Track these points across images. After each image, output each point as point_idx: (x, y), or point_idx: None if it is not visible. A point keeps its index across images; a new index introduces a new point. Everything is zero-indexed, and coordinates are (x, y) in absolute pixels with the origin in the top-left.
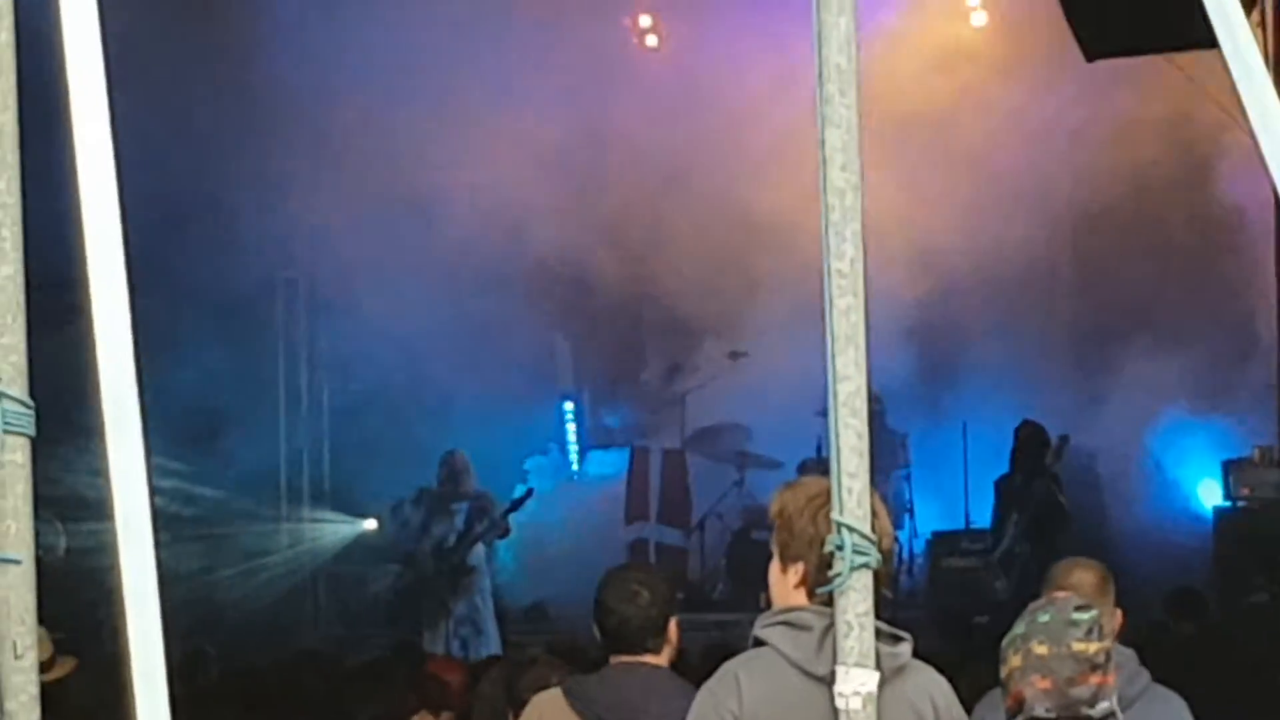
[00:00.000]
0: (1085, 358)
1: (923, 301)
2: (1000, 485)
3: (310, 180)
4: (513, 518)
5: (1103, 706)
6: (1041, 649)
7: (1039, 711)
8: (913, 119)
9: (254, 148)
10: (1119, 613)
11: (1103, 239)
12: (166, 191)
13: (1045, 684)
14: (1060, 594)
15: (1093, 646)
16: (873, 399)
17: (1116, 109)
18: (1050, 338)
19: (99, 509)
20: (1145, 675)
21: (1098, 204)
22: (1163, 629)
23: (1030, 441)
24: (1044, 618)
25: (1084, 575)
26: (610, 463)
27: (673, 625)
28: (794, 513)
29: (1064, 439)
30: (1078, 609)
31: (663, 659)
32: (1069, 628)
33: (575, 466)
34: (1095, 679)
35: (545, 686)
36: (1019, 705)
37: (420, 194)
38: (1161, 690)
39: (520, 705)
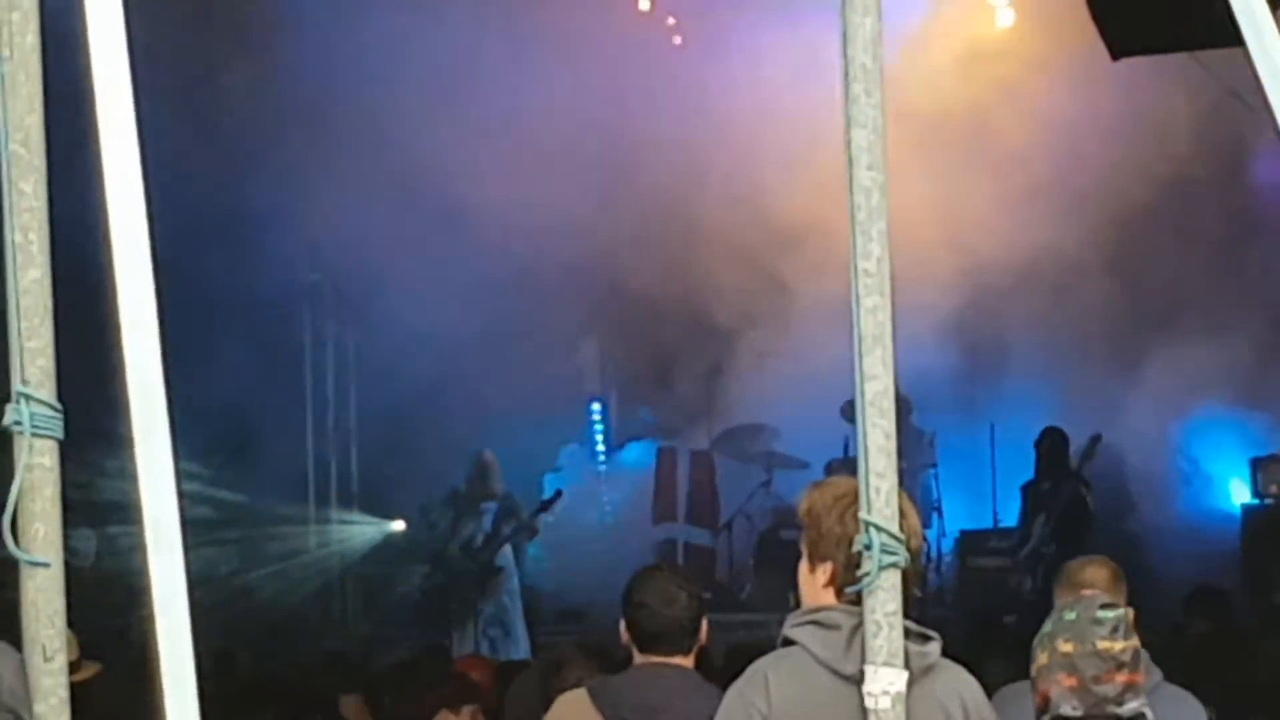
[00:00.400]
0: (1115, 355)
1: (952, 300)
2: (1026, 490)
3: (338, 183)
4: (541, 519)
5: (1131, 705)
6: (1067, 647)
7: (1065, 710)
8: (943, 118)
9: (280, 152)
10: (1130, 611)
11: (1134, 237)
12: (193, 196)
13: (1071, 682)
14: (1087, 592)
15: (1118, 645)
16: (900, 399)
17: (1147, 105)
18: (1080, 335)
19: (124, 513)
20: (1157, 673)
21: (1130, 202)
22: (1183, 627)
23: (1052, 449)
24: (1070, 616)
25: (1097, 572)
26: (638, 463)
27: (704, 626)
28: (821, 512)
29: (1096, 439)
30: (1103, 607)
31: (690, 660)
32: (1094, 626)
33: (603, 468)
34: (1121, 677)
35: (576, 687)
36: (1046, 703)
37: (447, 196)
38: (1172, 689)
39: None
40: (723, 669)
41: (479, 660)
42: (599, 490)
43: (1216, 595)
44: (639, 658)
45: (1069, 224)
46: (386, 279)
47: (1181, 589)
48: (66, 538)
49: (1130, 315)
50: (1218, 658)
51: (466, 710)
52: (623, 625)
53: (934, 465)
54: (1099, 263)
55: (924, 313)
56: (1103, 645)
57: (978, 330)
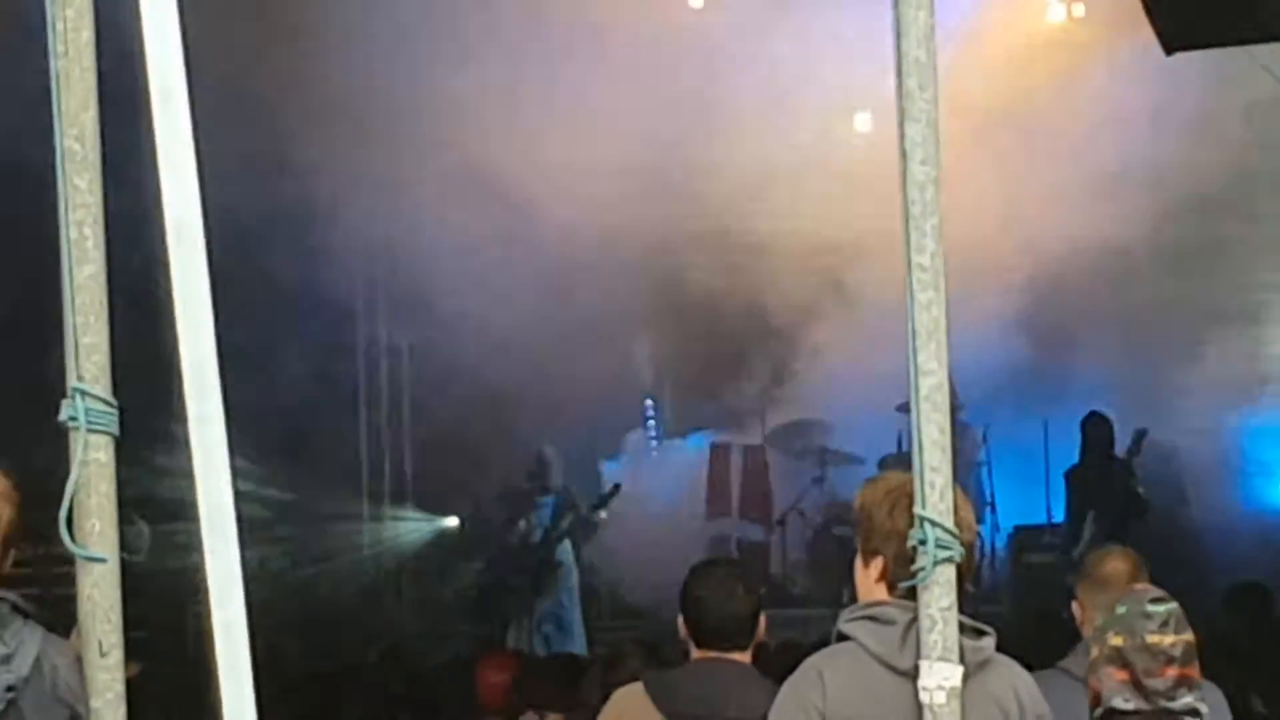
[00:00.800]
0: (1171, 347)
1: (1005, 294)
2: (1070, 478)
3: (395, 178)
4: (599, 514)
5: (1184, 700)
6: (1117, 640)
7: (1117, 703)
8: (996, 112)
9: (338, 144)
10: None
11: (1189, 229)
12: (249, 191)
13: (1122, 675)
14: (1140, 586)
15: (1168, 639)
16: (953, 395)
17: (1200, 98)
18: (1136, 327)
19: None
20: None
21: (1185, 194)
22: (1224, 622)
23: (1096, 434)
24: (1121, 610)
25: (1117, 564)
26: (691, 459)
27: (763, 621)
28: (872, 507)
29: (1142, 433)
30: (1153, 601)
31: (748, 655)
32: (1144, 620)
33: (657, 463)
34: (1172, 671)
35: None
36: (1098, 697)
37: (505, 191)
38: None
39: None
40: (776, 664)
41: (505, 659)
42: (652, 485)
43: (1255, 591)
44: (696, 653)
45: (1123, 216)
46: (443, 275)
47: (1229, 585)
48: (121, 533)
49: (1186, 307)
50: (1258, 652)
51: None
52: (680, 620)
53: (986, 461)
54: (1154, 255)
55: (978, 307)
56: (1152, 639)
57: (1033, 324)
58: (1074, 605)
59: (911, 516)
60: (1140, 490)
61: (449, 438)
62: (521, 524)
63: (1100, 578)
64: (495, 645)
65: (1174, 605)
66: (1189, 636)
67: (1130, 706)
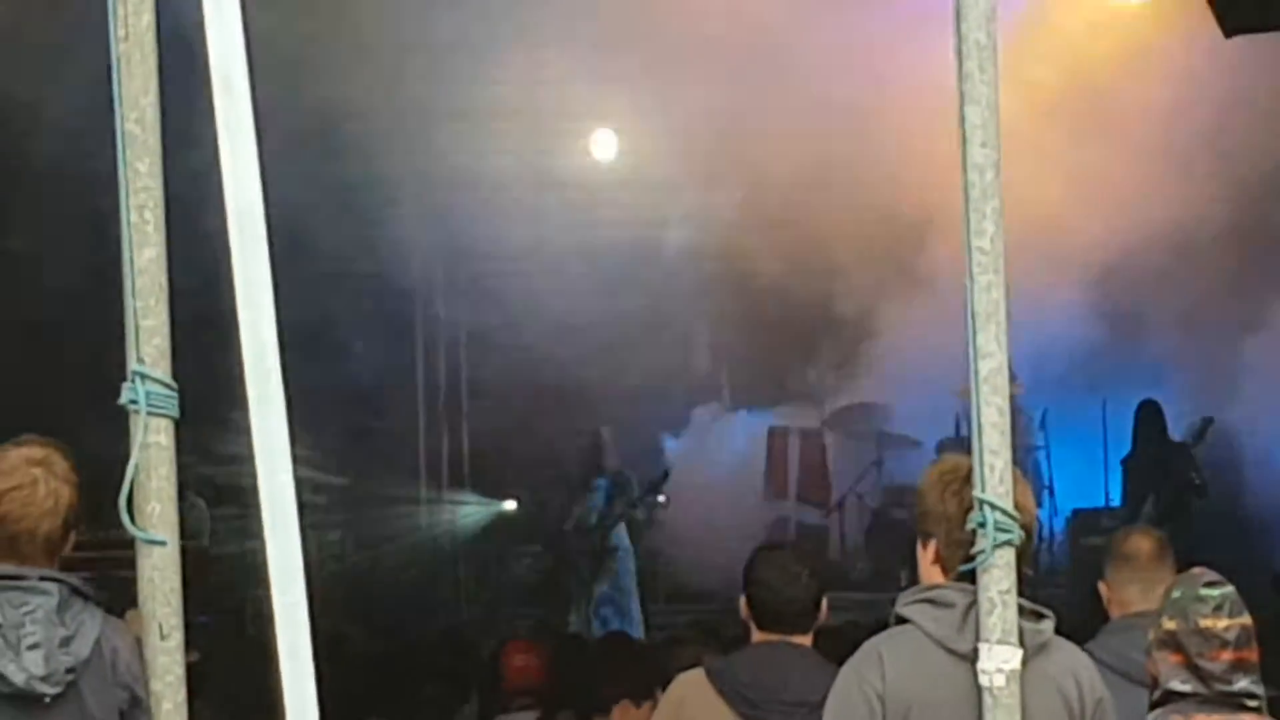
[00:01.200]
0: (1234, 331)
1: (1065, 276)
2: (1126, 465)
3: (454, 161)
4: (654, 499)
5: (1241, 684)
6: (1171, 625)
7: (1174, 685)
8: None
9: (396, 129)
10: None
11: (1253, 212)
12: (308, 173)
13: (1177, 659)
14: (1196, 570)
15: (1221, 623)
16: (1012, 378)
17: (1261, 81)
18: (1198, 311)
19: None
20: None
21: (1246, 177)
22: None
23: (1146, 422)
24: (1175, 594)
25: (1141, 542)
26: (750, 443)
27: (824, 605)
28: (927, 489)
29: (1208, 421)
30: (1207, 585)
31: (809, 638)
32: (1197, 604)
33: (715, 446)
34: (1227, 655)
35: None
36: (1156, 680)
37: (561, 176)
38: None
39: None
40: (836, 647)
41: (526, 644)
42: (710, 470)
43: None
44: (758, 635)
45: (1184, 199)
46: (501, 259)
47: None
48: (180, 516)
49: (1249, 292)
50: None
51: (647, 705)
52: (743, 602)
53: (1044, 445)
54: (1217, 238)
55: (1038, 289)
56: (1205, 623)
57: (1093, 306)
58: (1100, 585)
59: (963, 500)
60: (1196, 476)
61: (507, 421)
62: (577, 507)
63: (1123, 555)
64: (550, 629)
65: (1229, 589)
66: (1244, 620)
67: (1188, 689)
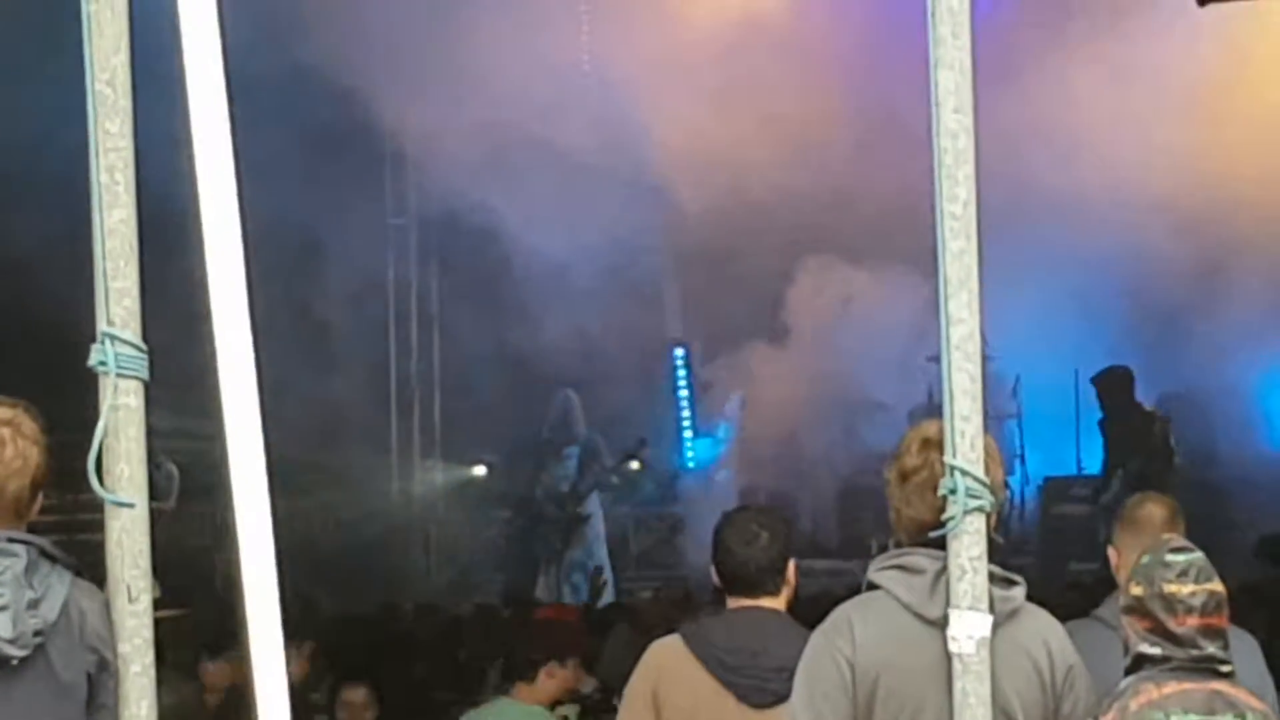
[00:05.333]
0: (1199, 300)
1: (1037, 243)
2: (1103, 427)
3: (426, 124)
4: (626, 466)
5: (1208, 650)
6: (1138, 590)
7: (1144, 649)
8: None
9: (367, 94)
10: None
11: (1216, 184)
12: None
13: (1145, 624)
14: (1165, 536)
15: (1187, 588)
16: (984, 345)
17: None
18: (1166, 279)
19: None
20: None
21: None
22: (1256, 573)
23: (1110, 386)
24: (1144, 560)
25: (1154, 509)
26: (721, 409)
27: (791, 567)
28: (902, 452)
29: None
30: (1173, 551)
31: (780, 602)
32: (1162, 569)
33: (686, 413)
34: (1193, 620)
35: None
36: (1126, 647)
37: (536, 137)
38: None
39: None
40: (806, 615)
41: (562, 607)
42: (681, 436)
43: None
44: (731, 601)
45: (1155, 168)
46: (474, 224)
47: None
48: (149, 477)
49: (1217, 261)
50: None
51: (571, 663)
52: (713, 570)
53: (1016, 414)
54: (1184, 209)
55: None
56: (1170, 589)
57: (1064, 273)
58: (1110, 551)
59: (914, 465)
60: (1171, 442)
61: (478, 386)
62: (547, 474)
63: (1134, 521)
64: (522, 595)
65: (1196, 555)
66: (1213, 586)
67: (1158, 652)
